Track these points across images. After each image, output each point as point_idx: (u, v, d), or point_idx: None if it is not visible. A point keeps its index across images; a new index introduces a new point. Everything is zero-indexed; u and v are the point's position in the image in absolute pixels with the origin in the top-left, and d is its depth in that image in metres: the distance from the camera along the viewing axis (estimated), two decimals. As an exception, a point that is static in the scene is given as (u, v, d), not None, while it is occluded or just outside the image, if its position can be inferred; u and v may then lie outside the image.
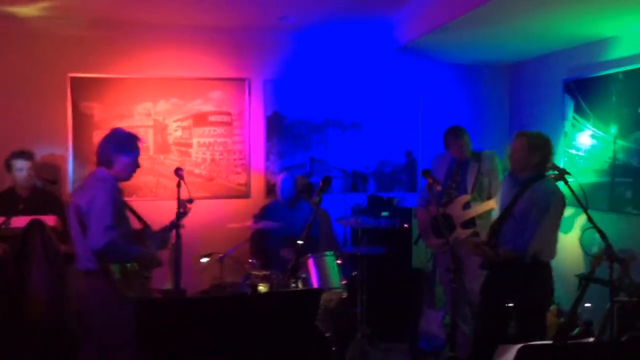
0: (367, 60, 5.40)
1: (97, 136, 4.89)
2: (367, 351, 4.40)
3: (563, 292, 4.69)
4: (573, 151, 4.66)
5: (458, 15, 3.78)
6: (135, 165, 3.20)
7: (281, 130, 5.27)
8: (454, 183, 4.30)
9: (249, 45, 5.19)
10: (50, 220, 3.74)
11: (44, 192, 4.42)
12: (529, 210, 3.26)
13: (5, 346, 3.53)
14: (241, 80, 5.17)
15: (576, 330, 4.08)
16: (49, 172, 4.76)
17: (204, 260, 3.41)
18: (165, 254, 3.54)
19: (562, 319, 4.25)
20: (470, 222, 4.18)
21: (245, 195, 5.20)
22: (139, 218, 3.33)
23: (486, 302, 3.37)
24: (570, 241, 4.62)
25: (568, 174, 3.31)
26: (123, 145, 3.15)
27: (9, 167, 4.24)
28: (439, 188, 3.16)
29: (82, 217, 2.98)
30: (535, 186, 3.31)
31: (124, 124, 4.94)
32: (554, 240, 3.35)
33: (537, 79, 5.23)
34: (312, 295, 2.13)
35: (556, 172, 3.41)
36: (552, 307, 4.07)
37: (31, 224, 3.59)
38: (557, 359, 1.74)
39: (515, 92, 5.58)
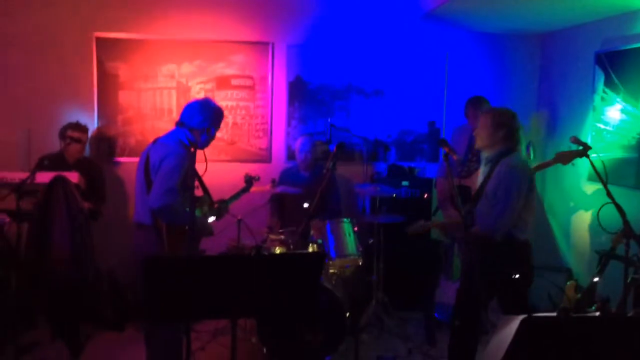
0: (391, 27, 5.31)
1: (122, 96, 4.98)
2: (381, 318, 4.46)
3: (582, 267, 4.66)
4: (601, 125, 4.54)
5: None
6: (212, 139, 3.30)
7: (303, 95, 5.25)
8: (474, 156, 4.25)
9: (274, 9, 5.14)
10: (73, 177, 3.82)
11: (89, 161, 4.61)
12: (497, 188, 3.20)
13: (30, 297, 3.67)
14: (265, 44, 5.15)
15: (593, 307, 4.05)
16: (105, 148, 4.94)
17: (211, 219, 3.52)
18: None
19: (579, 295, 4.21)
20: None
21: (266, 159, 5.23)
22: (204, 187, 3.41)
23: (464, 284, 3.35)
24: (590, 217, 4.56)
25: (590, 148, 3.24)
26: (214, 119, 3.24)
27: (63, 136, 4.38)
28: (455, 157, 3.11)
29: (150, 172, 3.05)
30: (502, 162, 3.24)
31: (148, 85, 5.01)
32: (525, 216, 3.26)
33: (567, 50, 5.08)
34: (314, 258, 2.15)
35: (580, 147, 3.34)
36: (570, 282, 4.03)
37: (54, 179, 3.67)
38: (560, 331, 1.73)
39: (545, 63, 5.43)
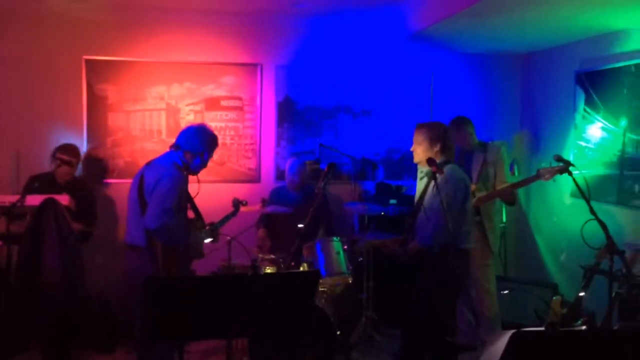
0: (378, 48, 5.43)
1: (111, 118, 5.01)
2: (371, 335, 4.49)
3: (567, 282, 4.74)
4: (583, 143, 4.66)
5: (470, 4, 3.79)
6: (206, 165, 3.37)
7: (292, 115, 5.32)
8: None
9: (262, 30, 5.23)
10: (63, 199, 3.84)
11: (80, 181, 4.60)
12: (434, 201, 3.30)
13: (21, 318, 3.66)
14: (253, 65, 5.22)
15: (579, 321, 4.12)
16: (97, 169, 4.95)
17: (208, 241, 3.57)
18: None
19: (565, 310, 4.28)
20: (475, 211, 4.21)
21: (255, 179, 5.28)
22: (196, 209, 3.45)
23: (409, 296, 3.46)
24: (575, 232, 4.65)
25: (572, 165, 3.34)
26: (210, 144, 3.32)
27: (53, 158, 4.38)
28: (442, 175, 3.19)
29: (145, 193, 3.08)
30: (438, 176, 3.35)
31: (138, 107, 5.05)
32: (465, 227, 3.39)
33: (548, 69, 5.22)
34: (310, 277, 2.20)
35: (561, 164, 3.43)
36: (556, 298, 4.11)
37: (45, 202, 3.69)
38: (549, 345, 1.79)
39: (527, 82, 5.57)
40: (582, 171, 4.34)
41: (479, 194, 4.24)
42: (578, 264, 4.02)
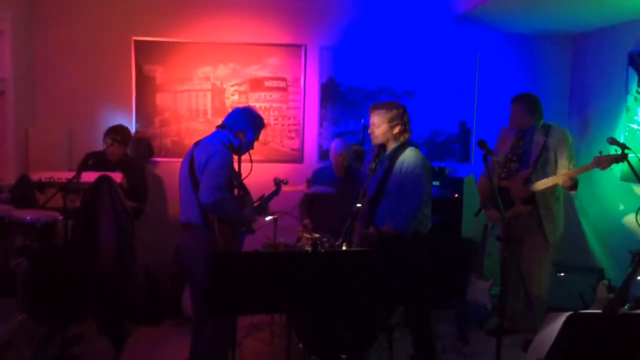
0: (423, 29, 5.38)
1: (159, 98, 5.13)
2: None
3: (615, 267, 4.68)
4: (634, 126, 4.56)
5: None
6: (252, 146, 3.43)
7: (335, 96, 5.34)
8: (514, 155, 4.21)
9: (307, 12, 5.24)
10: (117, 177, 3.96)
11: (131, 160, 4.72)
12: (401, 185, 3.26)
13: (77, 291, 3.82)
14: (298, 46, 5.25)
15: (626, 306, 4.08)
16: (144, 149, 5.08)
17: (269, 218, 3.66)
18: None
19: (612, 295, 4.24)
20: (530, 199, 4.11)
21: (299, 160, 5.34)
22: (244, 187, 3.53)
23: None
24: (623, 216, 4.58)
25: (628, 148, 3.28)
26: (256, 125, 3.38)
27: (105, 138, 4.52)
28: (494, 159, 3.17)
29: (196, 171, 3.16)
30: (401, 158, 3.30)
31: (184, 87, 5.15)
32: (425, 210, 3.36)
33: (600, 51, 5.09)
34: (372, 255, 2.24)
35: (618, 149, 3.37)
36: (603, 282, 4.07)
37: (100, 179, 3.81)
38: (605, 327, 1.80)
39: (577, 64, 5.45)
40: (634, 155, 4.25)
41: (536, 180, 4.05)
42: (626, 249, 3.96)
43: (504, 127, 4.44)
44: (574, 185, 3.97)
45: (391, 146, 3.40)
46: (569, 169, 4.04)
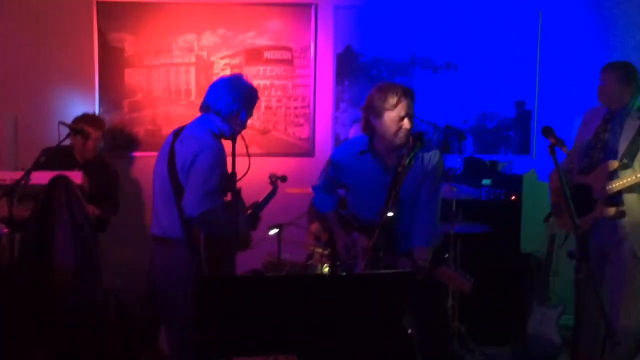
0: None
1: (129, 75, 5.12)
2: (459, 355, 4.49)
3: None
4: None
5: None
6: (244, 127, 3.34)
7: (355, 70, 5.32)
8: (598, 142, 4.15)
9: (317, -40, 5.23)
10: (76, 177, 3.94)
11: (101, 161, 4.71)
12: (420, 193, 3.37)
13: (27, 326, 3.81)
14: (306, 6, 5.23)
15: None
16: (108, 138, 5.04)
17: (273, 232, 3.61)
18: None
19: None
20: (616, 198, 4.04)
21: (308, 152, 5.32)
22: (234, 189, 3.46)
23: None
24: None
25: None
26: (247, 100, 3.27)
27: (75, 130, 4.48)
28: (565, 150, 3.09)
29: (179, 172, 3.11)
30: (418, 156, 3.31)
31: (161, 61, 5.14)
32: None
33: None
34: (401, 279, 2.21)
35: None
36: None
37: (55, 180, 3.79)
38: None
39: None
40: None
41: (624, 174, 3.89)
42: None
43: (591, 108, 4.32)
44: None
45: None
46: None
